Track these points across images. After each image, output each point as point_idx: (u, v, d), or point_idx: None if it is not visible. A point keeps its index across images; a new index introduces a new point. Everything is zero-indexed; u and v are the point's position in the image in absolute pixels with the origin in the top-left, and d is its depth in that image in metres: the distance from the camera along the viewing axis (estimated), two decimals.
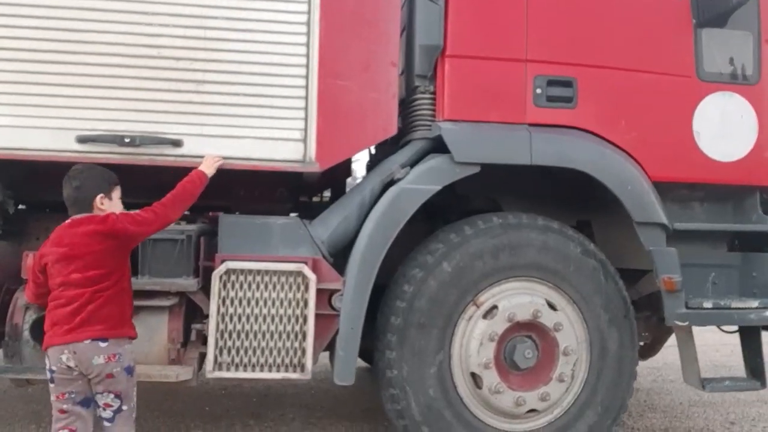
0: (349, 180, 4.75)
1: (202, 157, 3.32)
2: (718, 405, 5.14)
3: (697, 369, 3.81)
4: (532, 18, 3.68)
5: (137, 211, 2.88)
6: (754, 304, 3.72)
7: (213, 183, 3.72)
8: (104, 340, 2.65)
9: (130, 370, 2.75)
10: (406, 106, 3.85)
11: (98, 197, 2.76)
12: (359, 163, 4.76)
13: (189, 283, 3.37)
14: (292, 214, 4.52)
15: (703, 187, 3.90)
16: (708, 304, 3.67)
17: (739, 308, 3.70)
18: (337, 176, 4.25)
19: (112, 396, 2.69)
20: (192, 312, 3.49)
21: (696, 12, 3.81)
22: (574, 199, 4.01)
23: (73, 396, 2.66)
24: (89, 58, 3.27)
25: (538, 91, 3.67)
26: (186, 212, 4.46)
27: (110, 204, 2.80)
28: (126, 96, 3.30)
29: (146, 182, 3.69)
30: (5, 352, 3.28)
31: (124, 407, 2.73)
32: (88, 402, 2.70)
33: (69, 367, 2.63)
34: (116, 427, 2.71)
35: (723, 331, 4.05)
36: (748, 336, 3.91)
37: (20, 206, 4.03)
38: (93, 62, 3.27)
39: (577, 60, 3.72)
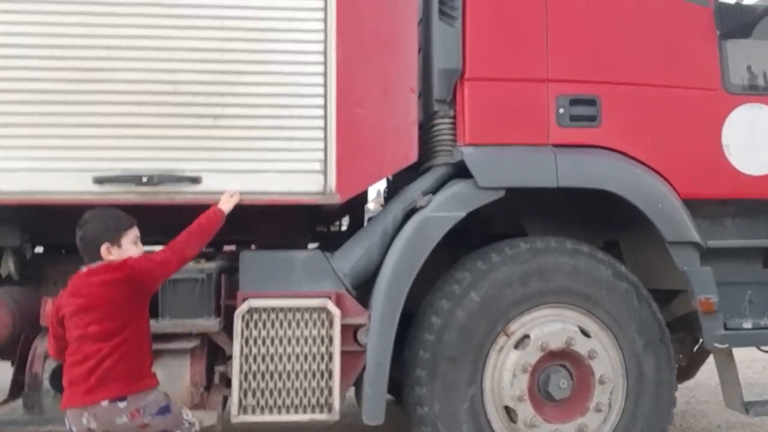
0: (368, 206, 4.67)
1: (221, 192, 3.25)
2: (758, 426, 4.96)
3: (739, 392, 3.67)
4: (553, 36, 3.60)
5: (153, 251, 2.79)
6: None
7: (230, 217, 3.67)
8: (122, 399, 2.53)
9: (164, 411, 2.65)
10: (426, 131, 3.77)
11: (103, 247, 2.65)
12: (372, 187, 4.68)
13: (211, 324, 3.28)
14: (312, 245, 4.46)
15: (734, 203, 3.78)
16: (747, 324, 3.54)
17: None
18: (355, 203, 4.17)
19: None
20: (214, 353, 3.40)
21: (720, 23, 3.71)
22: (600, 219, 3.90)
23: None
24: (104, 96, 3.22)
25: (561, 111, 3.58)
26: (205, 249, 4.43)
27: (119, 252, 2.68)
28: (142, 134, 3.24)
29: (166, 220, 3.64)
30: (25, 403, 3.19)
31: None
32: None
33: (91, 429, 2.52)
34: None
35: (761, 350, 3.91)
36: None
37: (37, 249, 3.98)
38: (108, 101, 3.22)
39: (600, 77, 3.63)
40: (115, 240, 2.67)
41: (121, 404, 2.51)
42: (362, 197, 4.24)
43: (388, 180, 4.37)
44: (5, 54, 3.15)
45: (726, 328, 3.52)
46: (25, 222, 3.52)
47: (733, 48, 3.73)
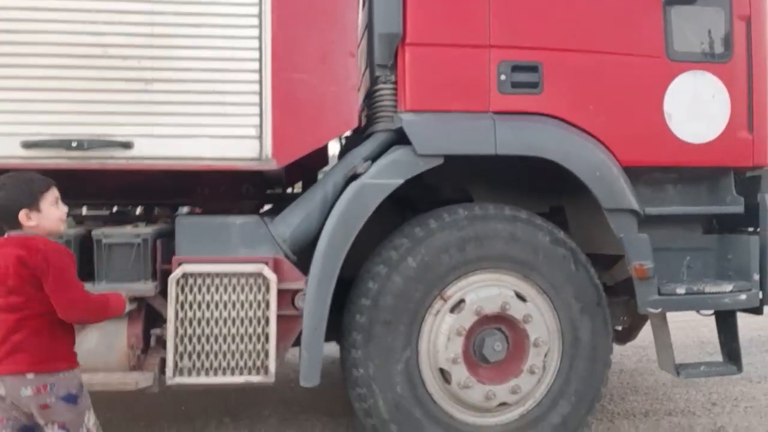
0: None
1: (153, 158, 3.23)
2: (701, 385, 5.10)
3: (671, 355, 3.76)
4: (495, 2, 3.55)
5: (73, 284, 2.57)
6: (728, 287, 3.65)
7: (176, 181, 3.64)
8: (30, 373, 2.47)
9: (71, 398, 2.54)
10: (368, 96, 3.74)
11: (21, 213, 2.50)
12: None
13: (147, 288, 3.29)
14: (266, 207, 4.46)
15: (676, 170, 3.80)
16: (681, 290, 3.60)
17: (712, 292, 3.63)
18: (312, 167, 4.16)
19: (56, 427, 2.53)
20: (152, 317, 3.41)
21: None
22: (546, 185, 3.92)
23: (11, 423, 2.55)
24: (32, 59, 3.15)
25: (503, 77, 3.55)
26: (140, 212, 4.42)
27: (39, 216, 2.53)
28: (72, 98, 3.18)
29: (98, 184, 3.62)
30: None
31: None
32: (29, 430, 2.57)
33: (1, 396, 2.51)
34: None
35: (700, 314, 3.99)
36: (724, 320, 3.86)
37: None
38: (35, 64, 3.15)
39: (543, 44, 3.60)
40: (33, 204, 2.53)
41: (29, 375, 2.46)
42: (321, 160, 4.22)
43: (341, 143, 4.35)
44: None
45: (660, 293, 3.57)
46: None
47: (677, 15, 3.70)
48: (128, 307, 2.93)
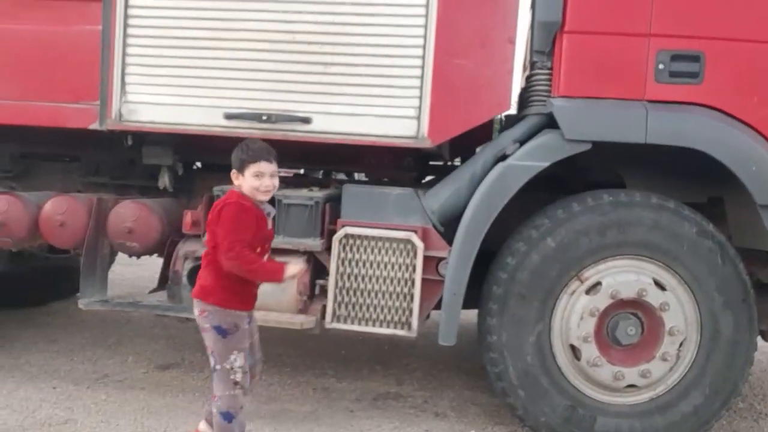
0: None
1: (327, 133, 3.72)
2: None
3: None
4: None
5: (234, 240, 2.86)
6: None
7: (348, 151, 4.09)
8: (196, 299, 3.01)
9: (220, 331, 2.92)
10: (526, 80, 3.93)
11: (232, 172, 2.98)
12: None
13: (315, 244, 3.83)
14: (429, 178, 4.84)
15: None
16: None
17: None
18: (475, 142, 4.43)
19: (208, 350, 3.00)
20: (320, 269, 3.95)
21: None
22: (705, 174, 3.87)
23: None
24: (233, 44, 3.76)
25: (661, 66, 3.56)
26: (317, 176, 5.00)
27: (241, 180, 2.94)
28: (265, 78, 3.75)
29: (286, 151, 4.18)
30: (168, 293, 3.98)
31: (217, 367, 2.94)
32: None
33: None
34: (213, 383, 3.00)
35: None
36: None
37: (196, 166, 4.75)
38: (237, 47, 3.75)
39: (706, 33, 3.54)
40: (240, 169, 2.94)
41: (195, 300, 3.02)
42: (486, 137, 4.45)
43: (501, 124, 4.57)
44: (155, 13, 3.78)
45: None
46: (177, 145, 4.24)
47: None
48: (289, 277, 3.03)
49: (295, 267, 3.05)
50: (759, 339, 3.87)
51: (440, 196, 3.82)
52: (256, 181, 2.94)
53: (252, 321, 3.15)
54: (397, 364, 5.02)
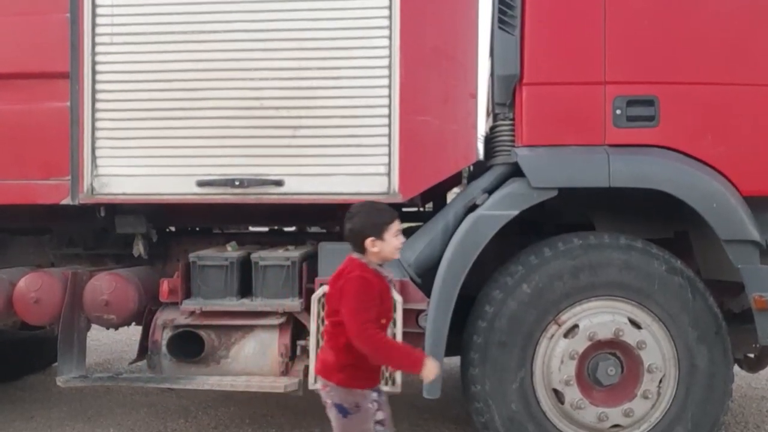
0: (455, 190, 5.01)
1: (301, 194, 3.78)
2: None
3: None
4: (610, 39, 3.72)
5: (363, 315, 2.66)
6: None
7: (321, 209, 4.15)
8: (319, 375, 2.86)
9: (341, 410, 2.74)
10: (492, 131, 4.05)
11: (368, 241, 2.73)
12: None
13: (294, 304, 3.85)
14: (404, 225, 4.88)
15: None
16: None
17: None
18: (446, 187, 4.51)
19: (333, 426, 2.80)
20: (298, 329, 3.96)
21: None
22: (669, 210, 3.99)
23: None
24: (203, 113, 3.83)
25: (618, 111, 3.71)
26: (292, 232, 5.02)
27: (382, 244, 2.73)
28: (235, 143, 3.82)
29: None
30: (148, 364, 3.95)
31: None
32: None
33: None
34: None
35: None
36: None
37: (170, 229, 4.76)
38: (206, 116, 3.83)
39: (660, 78, 3.72)
40: (379, 234, 2.73)
41: (318, 376, 2.90)
42: (455, 182, 4.53)
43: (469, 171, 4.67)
44: (123, 87, 3.84)
45: None
46: (150, 212, 4.26)
47: None
48: (427, 373, 2.72)
49: (436, 364, 2.76)
50: (736, 368, 3.96)
51: (415, 248, 3.88)
52: (398, 239, 2.80)
53: (380, 395, 2.88)
54: None
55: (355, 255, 2.79)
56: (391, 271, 2.92)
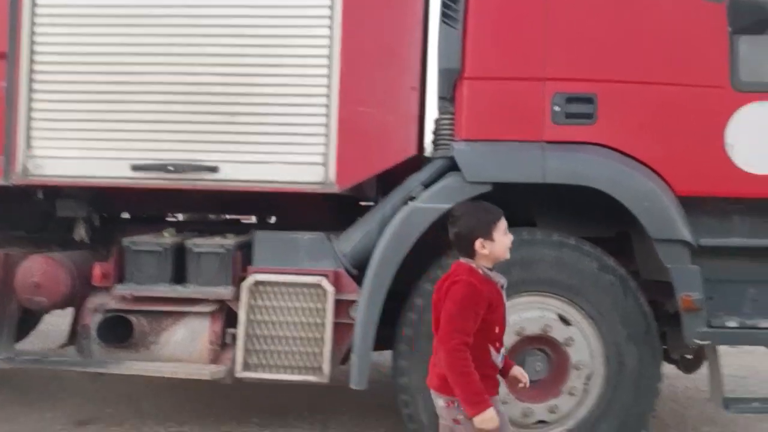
0: None
1: (236, 180, 3.75)
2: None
3: (720, 388, 3.70)
4: (551, 36, 3.71)
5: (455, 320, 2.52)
6: None
7: (268, 198, 4.13)
8: (435, 391, 2.64)
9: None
10: (435, 124, 4.04)
11: (477, 242, 2.58)
12: None
13: (226, 292, 3.82)
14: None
15: (743, 201, 3.74)
16: (732, 324, 3.56)
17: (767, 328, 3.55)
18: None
19: None
20: (232, 318, 3.93)
21: (733, 19, 3.64)
22: (612, 209, 3.99)
23: None
24: (139, 96, 3.81)
25: (557, 108, 3.70)
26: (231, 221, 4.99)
27: (492, 245, 2.59)
28: (171, 129, 3.80)
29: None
30: (77, 348, 3.91)
31: None
32: None
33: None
34: None
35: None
36: None
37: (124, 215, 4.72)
38: (143, 100, 3.80)
39: (599, 76, 3.71)
40: (488, 234, 2.59)
41: (434, 392, 2.66)
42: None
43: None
44: (60, 69, 3.81)
45: (710, 326, 3.55)
46: (92, 197, 4.22)
47: (746, 44, 3.65)
48: (481, 421, 2.46)
49: (493, 418, 2.48)
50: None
51: (352, 240, 3.87)
52: (508, 238, 2.65)
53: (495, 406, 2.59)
54: (326, 410, 4.97)
55: (463, 260, 2.63)
56: (502, 276, 2.70)
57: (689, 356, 4.45)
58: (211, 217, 5.25)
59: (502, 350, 2.69)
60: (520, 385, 2.84)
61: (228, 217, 5.28)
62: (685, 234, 3.57)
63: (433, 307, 2.67)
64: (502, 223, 2.64)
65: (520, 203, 4.00)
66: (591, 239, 3.82)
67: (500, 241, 2.61)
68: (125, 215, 4.96)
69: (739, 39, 3.64)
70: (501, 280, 2.68)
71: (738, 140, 3.63)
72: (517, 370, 2.84)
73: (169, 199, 4.26)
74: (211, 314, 3.87)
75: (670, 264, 3.56)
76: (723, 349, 3.98)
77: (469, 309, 2.51)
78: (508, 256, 2.68)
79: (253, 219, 5.20)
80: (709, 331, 3.55)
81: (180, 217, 5.75)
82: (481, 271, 2.60)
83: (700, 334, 3.55)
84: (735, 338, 3.61)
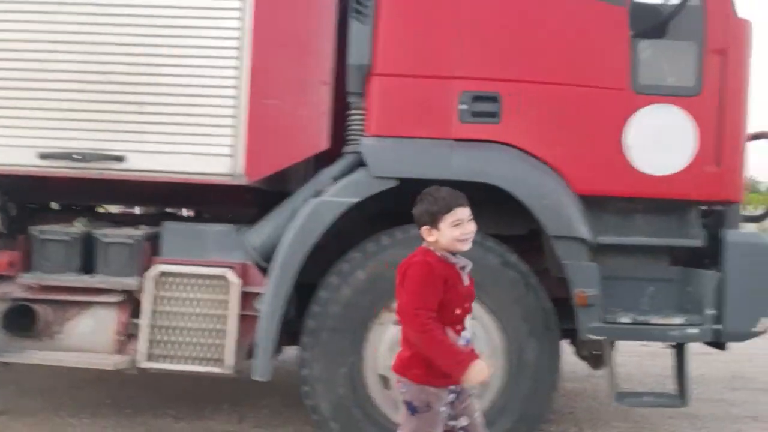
0: None
1: (144, 171, 3.75)
2: (698, 418, 5.00)
3: (614, 382, 3.81)
4: (460, 35, 3.78)
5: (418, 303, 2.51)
6: (678, 320, 3.67)
7: (189, 189, 4.12)
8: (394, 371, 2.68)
9: (410, 407, 2.56)
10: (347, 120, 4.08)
11: (424, 229, 2.59)
12: None
13: (131, 283, 3.82)
14: None
15: (642, 201, 3.86)
16: (625, 319, 3.67)
17: (659, 324, 3.66)
18: None
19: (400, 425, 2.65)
20: (139, 308, 3.92)
21: (633, 23, 3.75)
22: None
23: None
24: (49, 84, 3.77)
25: (464, 107, 3.77)
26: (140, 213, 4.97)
27: (438, 234, 2.56)
28: (79, 117, 3.77)
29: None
30: None
31: None
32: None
33: None
34: None
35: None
36: (678, 352, 3.85)
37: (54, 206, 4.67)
38: (52, 88, 3.76)
39: (503, 75, 3.79)
40: (433, 223, 2.57)
41: (393, 372, 2.70)
42: None
43: None
44: None
45: (604, 321, 3.65)
46: (7, 185, 4.17)
47: (646, 48, 3.77)
48: (471, 378, 2.47)
49: (483, 368, 2.48)
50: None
51: (262, 232, 3.89)
52: (456, 230, 2.56)
53: (461, 398, 2.64)
54: (246, 402, 4.98)
55: (424, 243, 2.64)
56: (464, 259, 2.66)
57: (598, 352, 4.56)
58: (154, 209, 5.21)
59: (465, 334, 2.64)
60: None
61: (168, 210, 5.26)
62: (582, 231, 3.67)
63: (396, 292, 2.65)
64: (452, 215, 2.56)
65: None
66: (505, 237, 3.90)
67: (445, 232, 2.56)
68: (55, 206, 4.91)
69: (639, 42, 3.75)
70: (461, 262, 2.65)
71: (636, 141, 3.74)
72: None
73: (97, 190, 4.22)
74: (118, 305, 3.86)
75: (566, 260, 3.66)
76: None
77: (428, 285, 2.52)
78: (460, 247, 2.61)
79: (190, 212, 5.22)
80: (603, 326, 3.65)
81: (112, 209, 5.74)
82: (438, 254, 2.59)
83: (594, 329, 3.65)
84: (627, 334, 3.71)
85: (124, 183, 3.93)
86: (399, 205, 3.68)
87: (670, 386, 4.84)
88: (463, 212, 2.59)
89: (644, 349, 6.45)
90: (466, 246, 2.62)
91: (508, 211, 4.05)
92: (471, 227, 2.62)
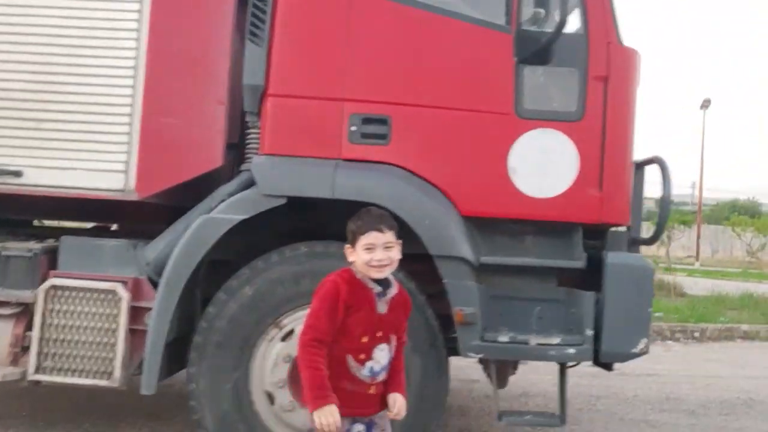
0: None
1: (41, 186, 3.85)
2: None
3: (496, 401, 3.88)
4: (351, 58, 3.89)
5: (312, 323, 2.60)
6: (555, 340, 3.74)
7: (107, 204, 4.18)
8: None
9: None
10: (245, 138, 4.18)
11: (346, 247, 2.67)
12: None
13: (27, 295, 3.89)
14: None
15: (530, 223, 3.94)
16: (504, 338, 3.74)
17: (537, 344, 3.73)
18: None
19: None
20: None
21: (518, 49, 3.86)
22: None
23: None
24: None
25: (353, 128, 3.87)
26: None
27: (355, 255, 2.63)
28: None
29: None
30: None
31: None
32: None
33: None
34: None
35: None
36: (560, 372, 3.93)
37: None
38: None
39: (393, 99, 3.89)
40: (352, 242, 2.63)
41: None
42: None
43: None
44: None
45: (483, 340, 3.73)
46: None
47: (530, 74, 3.87)
48: (317, 420, 2.48)
49: (332, 414, 2.47)
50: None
51: (156, 248, 3.97)
52: (366, 254, 2.57)
53: (374, 429, 2.65)
54: (166, 417, 5.03)
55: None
56: (392, 287, 2.68)
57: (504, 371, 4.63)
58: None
59: (371, 365, 2.60)
60: (390, 414, 2.73)
61: (98, 224, 5.34)
62: (464, 251, 3.75)
63: None
64: (366, 238, 2.57)
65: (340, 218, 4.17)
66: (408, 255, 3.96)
67: (360, 254, 2.57)
68: None
69: (524, 68, 3.85)
70: (380, 288, 2.61)
71: (520, 165, 3.84)
72: (393, 398, 2.71)
73: (24, 204, 4.29)
74: (15, 317, 3.93)
75: (447, 279, 3.73)
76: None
77: (324, 307, 2.53)
78: (372, 273, 2.59)
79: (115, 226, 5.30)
80: (481, 344, 3.72)
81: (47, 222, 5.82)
82: (359, 276, 2.59)
83: (473, 347, 3.72)
84: (506, 352, 3.78)
85: (29, 197, 4.02)
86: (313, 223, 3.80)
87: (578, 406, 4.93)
88: (378, 237, 2.57)
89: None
90: (378, 273, 2.59)
91: (408, 231, 4.16)
92: (382, 255, 2.58)
